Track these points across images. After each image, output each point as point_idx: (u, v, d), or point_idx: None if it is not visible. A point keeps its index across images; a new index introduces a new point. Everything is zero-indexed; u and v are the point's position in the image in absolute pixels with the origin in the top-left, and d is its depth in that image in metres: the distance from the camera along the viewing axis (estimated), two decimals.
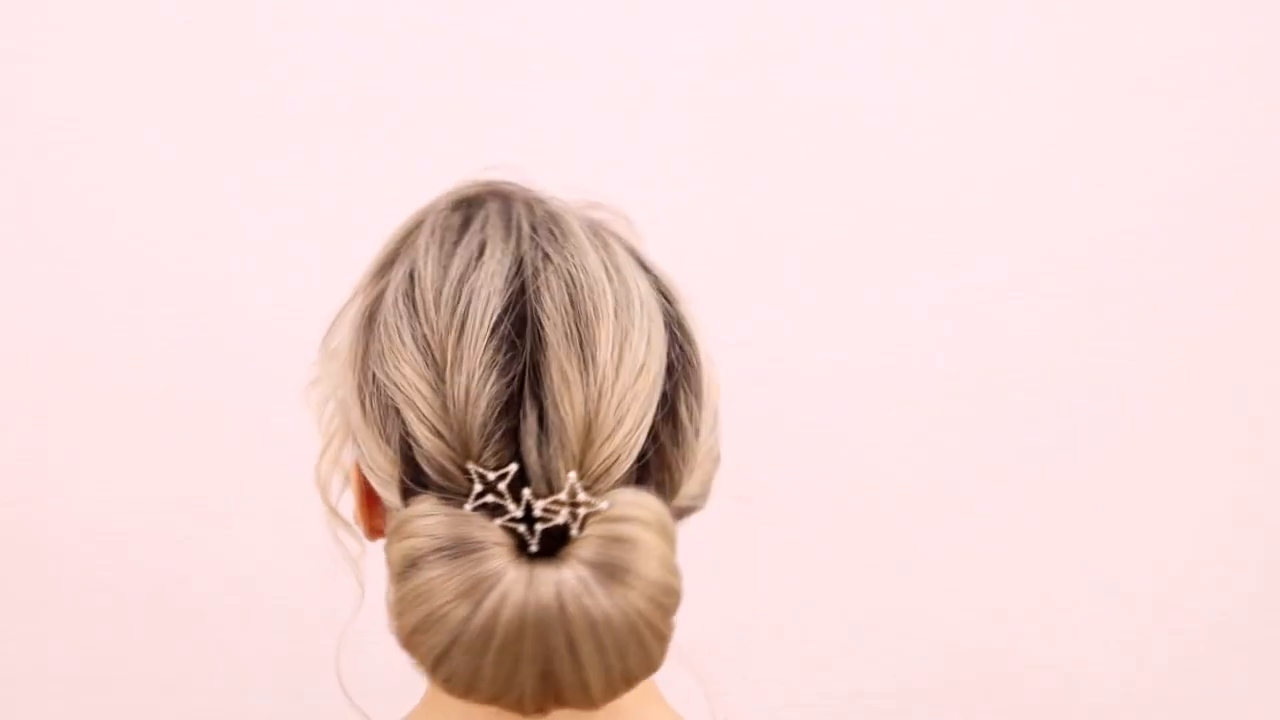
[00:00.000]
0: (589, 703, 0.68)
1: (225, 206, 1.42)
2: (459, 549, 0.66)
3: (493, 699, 0.67)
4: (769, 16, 1.44)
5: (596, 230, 0.77)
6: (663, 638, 0.68)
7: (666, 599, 0.67)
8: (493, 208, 0.77)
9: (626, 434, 0.69)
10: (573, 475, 0.67)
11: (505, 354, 0.70)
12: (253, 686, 1.44)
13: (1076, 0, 1.46)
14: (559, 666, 0.66)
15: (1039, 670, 1.50)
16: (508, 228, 0.75)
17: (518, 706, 0.68)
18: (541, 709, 0.68)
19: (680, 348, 0.74)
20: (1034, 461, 1.48)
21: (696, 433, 0.74)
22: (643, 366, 0.71)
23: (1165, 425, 1.49)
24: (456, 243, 0.75)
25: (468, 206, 0.78)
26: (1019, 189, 1.47)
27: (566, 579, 0.65)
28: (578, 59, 1.43)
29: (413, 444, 0.71)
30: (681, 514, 0.75)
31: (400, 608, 0.67)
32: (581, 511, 0.67)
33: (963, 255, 1.46)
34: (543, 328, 0.70)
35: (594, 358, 0.69)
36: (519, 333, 0.70)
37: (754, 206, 1.45)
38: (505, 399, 0.69)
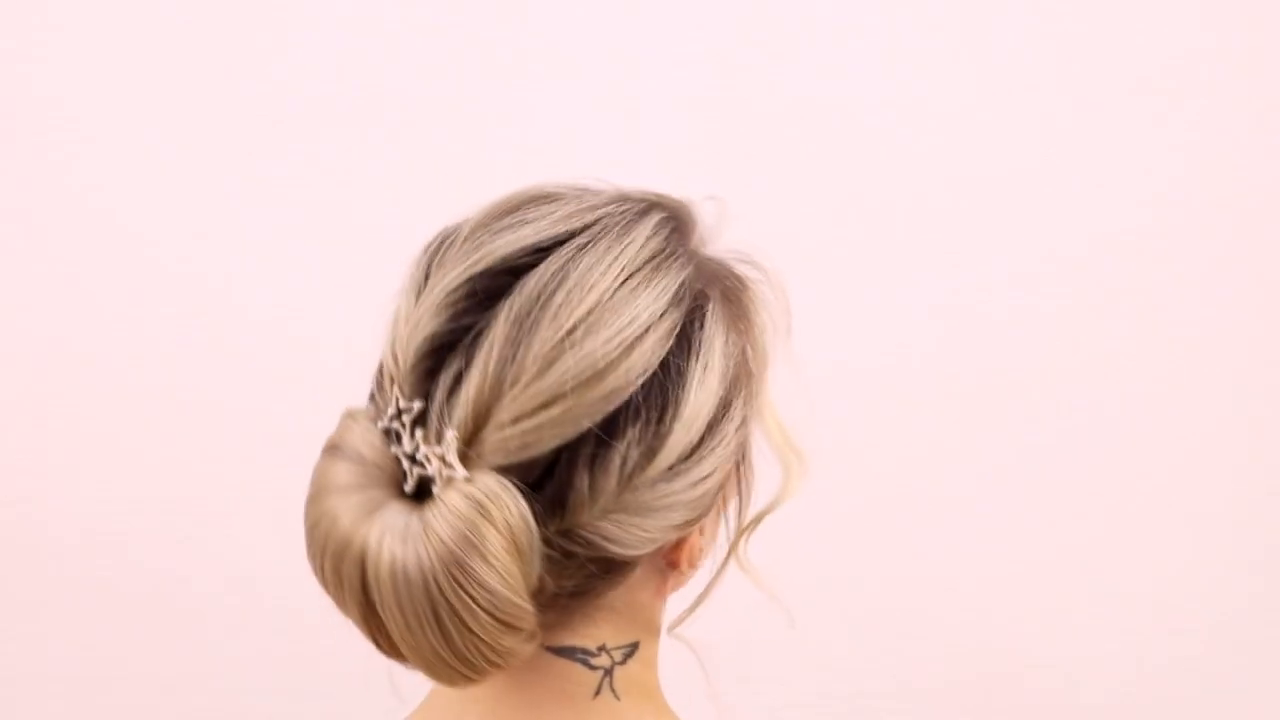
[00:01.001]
0: (421, 670, 0.69)
1: (225, 206, 1.42)
2: (355, 459, 0.70)
3: (340, 607, 0.70)
4: (769, 16, 1.44)
5: (665, 259, 0.76)
6: (473, 635, 0.67)
7: (478, 595, 0.67)
8: (607, 193, 0.78)
9: (522, 433, 0.69)
10: (452, 434, 0.69)
11: (467, 303, 0.72)
12: (253, 686, 1.44)
13: (1076, 0, 1.46)
14: (373, 607, 0.68)
15: (1039, 670, 1.50)
16: (582, 214, 0.75)
17: (370, 640, 0.70)
18: (397, 656, 0.70)
19: (650, 401, 0.72)
20: (1034, 461, 1.48)
21: (626, 480, 0.72)
22: (567, 387, 0.70)
23: (1165, 425, 1.49)
24: (532, 207, 0.76)
25: (584, 189, 0.78)
26: (1019, 189, 1.46)
27: (396, 527, 0.67)
28: (578, 59, 1.43)
29: (385, 353, 0.75)
30: (587, 547, 0.72)
31: (312, 475, 0.71)
32: (445, 473, 0.68)
33: (963, 255, 1.46)
34: (507, 302, 0.71)
35: (523, 354, 0.70)
36: (490, 295, 0.72)
37: (754, 206, 1.45)
38: (442, 342, 0.71)
